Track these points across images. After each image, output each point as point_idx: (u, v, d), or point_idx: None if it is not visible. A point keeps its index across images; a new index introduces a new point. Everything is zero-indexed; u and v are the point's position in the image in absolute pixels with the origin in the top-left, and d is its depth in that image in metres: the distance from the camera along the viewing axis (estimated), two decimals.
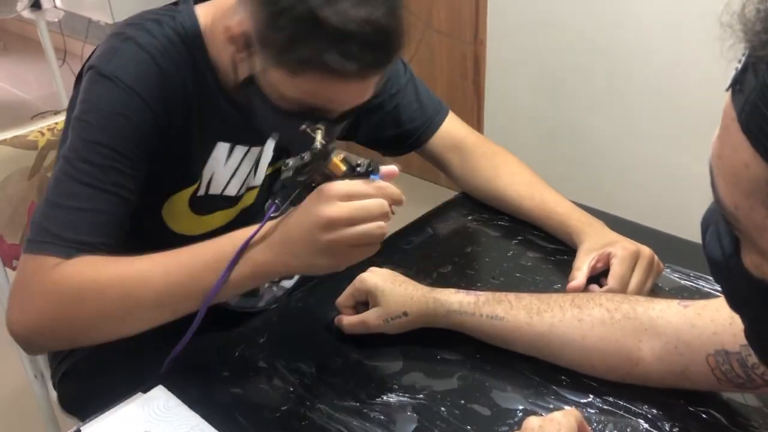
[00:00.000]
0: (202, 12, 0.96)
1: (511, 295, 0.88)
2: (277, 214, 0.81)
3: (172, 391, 0.85)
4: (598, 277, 0.96)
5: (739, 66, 0.39)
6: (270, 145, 1.06)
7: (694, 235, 0.60)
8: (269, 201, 0.80)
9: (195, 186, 1.02)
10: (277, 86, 0.85)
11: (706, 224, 0.49)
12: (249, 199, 1.10)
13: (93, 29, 3.94)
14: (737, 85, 0.39)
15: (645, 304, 0.81)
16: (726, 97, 0.41)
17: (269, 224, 0.81)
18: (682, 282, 1.00)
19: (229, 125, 1.00)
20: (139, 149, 0.90)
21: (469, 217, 1.18)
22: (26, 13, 2.89)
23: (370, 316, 0.90)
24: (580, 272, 0.95)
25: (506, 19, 2.34)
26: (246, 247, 0.80)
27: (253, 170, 1.08)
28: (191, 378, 0.88)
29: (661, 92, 2.04)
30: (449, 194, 1.27)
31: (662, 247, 0.98)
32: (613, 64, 2.11)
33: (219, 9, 0.95)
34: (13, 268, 1.20)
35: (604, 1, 2.05)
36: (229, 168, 1.04)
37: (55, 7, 3.06)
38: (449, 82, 2.67)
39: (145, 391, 0.85)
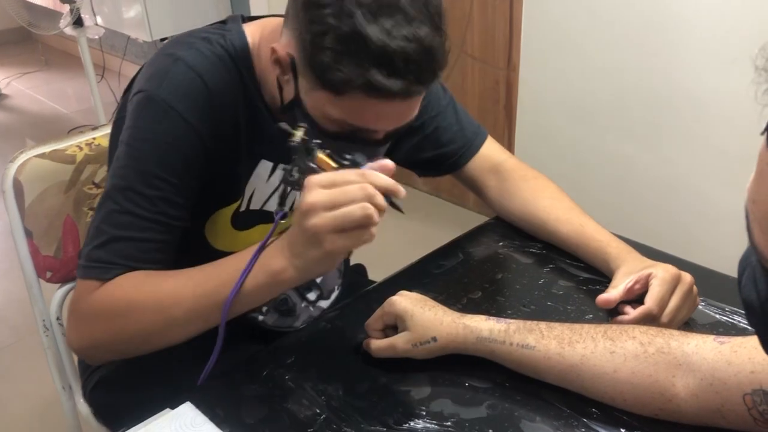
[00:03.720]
0: (249, 31, 0.97)
1: (543, 324, 0.87)
2: (285, 221, 0.82)
3: (200, 408, 0.85)
4: (632, 302, 0.94)
5: None
6: None
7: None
8: (277, 208, 0.82)
9: (237, 203, 1.04)
10: (322, 107, 0.86)
11: (742, 266, 0.48)
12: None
13: (131, 47, 4.03)
14: None
15: (679, 339, 0.80)
16: (762, 141, 0.41)
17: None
18: (717, 317, 0.98)
19: (274, 145, 1.01)
20: (189, 176, 0.92)
21: (501, 243, 1.18)
22: (69, 30, 2.97)
23: (399, 340, 0.90)
24: (615, 289, 0.95)
25: (540, 45, 2.33)
26: (259, 253, 0.82)
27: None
28: (219, 396, 0.88)
29: (699, 123, 2.01)
30: (477, 217, 1.27)
31: (697, 280, 0.96)
32: (648, 93, 2.09)
33: (266, 29, 0.96)
34: (47, 280, 1.22)
35: (641, 29, 2.04)
36: (270, 185, 1.05)
37: (97, 24, 3.13)
38: (480, 107, 2.67)
39: (173, 407, 0.86)
